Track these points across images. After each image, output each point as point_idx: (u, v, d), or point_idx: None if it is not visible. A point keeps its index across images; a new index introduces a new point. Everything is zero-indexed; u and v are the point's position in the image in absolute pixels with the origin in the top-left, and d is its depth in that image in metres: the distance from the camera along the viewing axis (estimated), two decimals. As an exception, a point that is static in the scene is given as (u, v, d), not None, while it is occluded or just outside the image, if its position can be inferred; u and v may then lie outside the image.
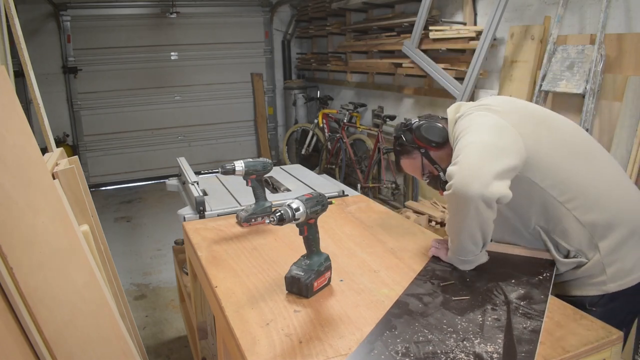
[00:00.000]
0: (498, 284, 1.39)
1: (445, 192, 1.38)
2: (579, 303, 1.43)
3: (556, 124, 1.53)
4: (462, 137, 1.43)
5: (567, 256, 1.47)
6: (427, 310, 1.26)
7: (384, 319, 1.23)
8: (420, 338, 1.14)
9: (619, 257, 1.41)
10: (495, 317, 1.22)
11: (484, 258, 1.48)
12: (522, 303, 1.28)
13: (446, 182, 1.44)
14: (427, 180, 1.65)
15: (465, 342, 1.12)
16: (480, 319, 1.21)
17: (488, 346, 1.10)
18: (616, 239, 1.41)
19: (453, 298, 1.31)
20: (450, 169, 1.36)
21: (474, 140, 1.39)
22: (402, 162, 1.68)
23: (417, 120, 1.62)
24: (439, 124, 1.58)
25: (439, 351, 1.09)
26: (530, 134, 1.43)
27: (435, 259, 1.57)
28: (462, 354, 1.07)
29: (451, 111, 1.60)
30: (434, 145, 1.57)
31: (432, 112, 4.63)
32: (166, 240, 4.49)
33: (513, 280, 1.40)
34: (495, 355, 1.07)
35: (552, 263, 1.50)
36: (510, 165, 1.34)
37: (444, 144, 1.57)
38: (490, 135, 1.40)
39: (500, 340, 1.12)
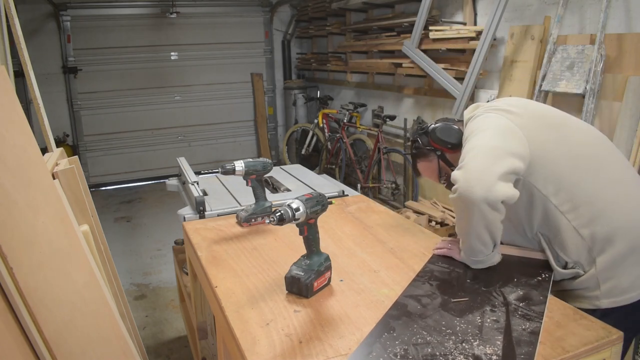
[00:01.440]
0: (497, 285, 1.39)
1: (450, 196, 1.39)
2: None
3: (571, 131, 1.50)
4: (469, 140, 1.44)
5: (565, 266, 1.45)
6: (426, 312, 1.26)
7: (382, 320, 1.22)
8: (419, 340, 1.13)
9: (615, 274, 1.38)
10: (494, 318, 1.22)
11: (496, 258, 1.47)
12: (521, 304, 1.28)
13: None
14: (445, 183, 1.66)
15: (464, 344, 1.12)
16: (479, 320, 1.21)
17: (487, 348, 1.10)
18: (614, 255, 1.38)
19: (452, 300, 1.31)
20: (454, 173, 1.37)
21: (479, 143, 1.39)
22: (419, 165, 1.70)
23: (433, 123, 1.64)
24: (455, 126, 1.60)
25: (437, 353, 1.08)
26: (537, 138, 1.42)
27: (435, 259, 1.57)
28: (461, 356, 1.07)
29: (467, 112, 1.61)
30: (450, 147, 1.58)
31: (432, 112, 4.64)
32: (166, 240, 4.49)
33: (512, 282, 1.40)
34: (494, 357, 1.07)
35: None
36: (514, 167, 1.35)
37: (460, 145, 1.56)
38: (495, 138, 1.40)
39: (499, 342, 1.12)
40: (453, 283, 1.41)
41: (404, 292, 1.37)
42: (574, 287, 1.44)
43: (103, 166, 6.56)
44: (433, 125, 1.62)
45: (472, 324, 1.19)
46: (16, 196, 1.36)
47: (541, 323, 1.18)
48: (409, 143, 1.71)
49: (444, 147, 1.59)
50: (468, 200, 1.32)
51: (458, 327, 1.18)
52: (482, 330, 1.17)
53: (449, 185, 1.62)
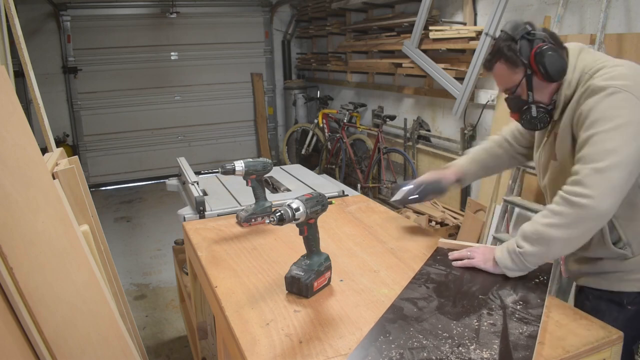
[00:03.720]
0: (494, 288, 1.37)
1: (570, 197, 1.24)
2: (617, 300, 1.41)
3: None
4: (605, 133, 1.24)
5: (615, 244, 1.39)
6: (422, 315, 1.24)
7: (378, 324, 1.21)
8: (415, 344, 1.12)
9: None
10: (491, 322, 1.20)
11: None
12: (518, 307, 1.26)
13: (529, 110, 1.40)
14: (507, 97, 1.48)
15: (460, 348, 1.10)
16: (476, 324, 1.20)
17: (484, 352, 1.08)
18: None
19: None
20: (588, 178, 1.22)
21: (623, 152, 1.22)
22: (497, 66, 1.44)
23: (543, 33, 1.39)
24: (565, 60, 1.38)
25: (433, 357, 1.07)
26: None
27: (432, 261, 1.56)
28: None
29: (574, 53, 1.41)
30: (546, 78, 1.37)
31: (432, 112, 4.64)
32: (166, 240, 4.49)
33: (509, 285, 1.38)
34: None
35: (549, 267, 1.48)
36: None
37: (555, 81, 1.39)
38: (636, 148, 1.23)
39: (496, 346, 1.10)
40: (450, 286, 1.39)
41: (400, 294, 1.35)
42: (620, 269, 1.40)
43: (103, 166, 6.56)
44: (544, 45, 1.36)
45: (468, 328, 1.18)
46: (16, 196, 1.36)
47: (539, 326, 1.17)
48: (500, 37, 1.42)
49: (541, 72, 1.36)
50: (594, 214, 1.20)
51: (455, 331, 1.17)
52: (479, 334, 1.16)
53: (511, 101, 1.47)
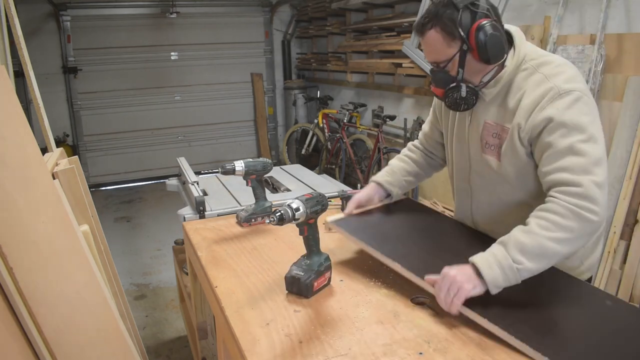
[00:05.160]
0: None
1: (582, 212, 1.15)
2: None
3: None
4: (586, 144, 1.18)
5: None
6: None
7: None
8: None
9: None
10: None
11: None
12: None
13: (457, 89, 1.30)
14: (434, 69, 1.35)
15: None
16: None
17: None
18: None
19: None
20: (593, 192, 1.15)
21: (600, 158, 1.19)
22: (431, 34, 1.28)
23: (486, 6, 1.26)
24: (503, 43, 1.27)
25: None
26: None
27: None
28: None
29: (519, 36, 1.32)
30: (482, 58, 1.26)
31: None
32: (166, 240, 4.48)
33: None
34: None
35: None
36: None
37: (491, 64, 1.29)
38: (603, 147, 1.22)
39: None
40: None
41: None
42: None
43: (103, 166, 6.56)
44: (486, 21, 1.23)
45: None
46: (16, 196, 1.36)
47: None
48: (442, 2, 1.27)
49: (479, 52, 1.25)
50: (597, 229, 1.17)
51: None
52: None
53: (437, 76, 1.34)
